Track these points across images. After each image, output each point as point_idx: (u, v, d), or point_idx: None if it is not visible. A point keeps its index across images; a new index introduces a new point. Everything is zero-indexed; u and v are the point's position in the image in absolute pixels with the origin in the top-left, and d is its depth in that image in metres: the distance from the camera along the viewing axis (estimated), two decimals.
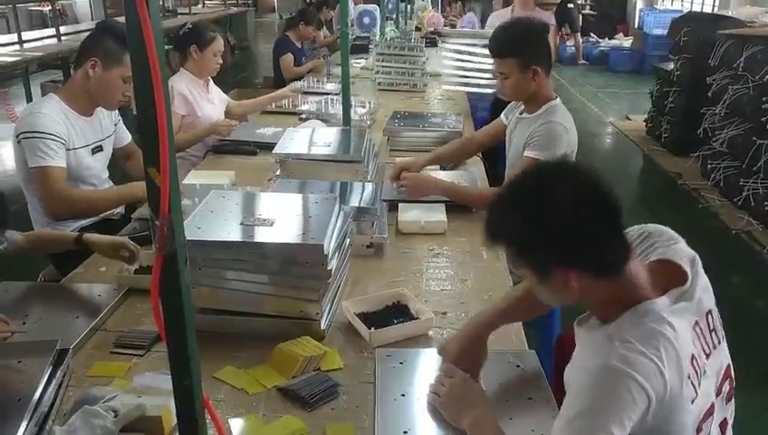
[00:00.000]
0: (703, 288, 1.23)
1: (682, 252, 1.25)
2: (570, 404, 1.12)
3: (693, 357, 1.14)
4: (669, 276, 1.20)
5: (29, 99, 7.12)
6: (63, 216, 2.27)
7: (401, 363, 1.48)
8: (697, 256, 1.26)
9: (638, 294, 1.16)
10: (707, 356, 1.19)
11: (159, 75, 0.87)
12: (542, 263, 1.16)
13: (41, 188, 2.18)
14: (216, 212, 1.70)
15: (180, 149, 3.10)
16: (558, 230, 1.11)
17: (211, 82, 3.43)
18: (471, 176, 2.70)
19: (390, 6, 7.59)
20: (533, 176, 1.21)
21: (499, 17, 4.28)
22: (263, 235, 1.59)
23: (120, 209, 2.53)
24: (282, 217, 1.67)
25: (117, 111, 2.51)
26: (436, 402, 1.34)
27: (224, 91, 3.65)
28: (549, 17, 4.58)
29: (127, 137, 2.62)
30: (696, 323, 1.19)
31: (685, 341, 1.14)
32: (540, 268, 1.17)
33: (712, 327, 1.23)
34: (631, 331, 1.12)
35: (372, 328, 1.57)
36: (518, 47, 2.30)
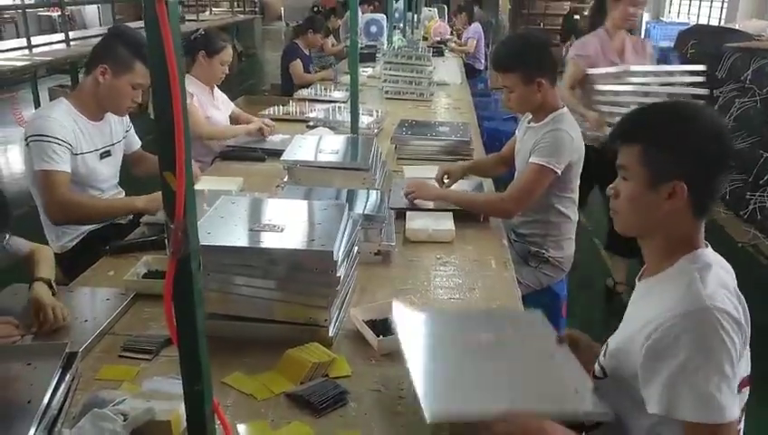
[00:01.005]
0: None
1: None
2: (669, 355, 1.15)
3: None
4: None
5: (37, 103, 7.16)
6: (63, 220, 2.27)
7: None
8: None
9: (693, 242, 1.27)
10: None
11: (177, 81, 0.88)
12: (668, 170, 1.23)
13: (43, 191, 2.18)
14: (225, 218, 1.70)
15: (220, 138, 3.29)
16: (701, 147, 1.22)
17: (216, 88, 3.45)
18: (478, 183, 2.71)
19: (397, 15, 7.62)
20: (688, 102, 1.36)
21: (593, 43, 3.44)
22: (272, 241, 1.59)
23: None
24: (291, 224, 1.68)
25: (128, 117, 2.52)
26: None
27: (231, 99, 3.68)
28: (646, 43, 3.72)
29: (137, 143, 2.64)
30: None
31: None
32: (661, 174, 1.23)
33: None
34: (704, 275, 1.21)
35: (380, 336, 1.57)
36: (520, 61, 2.33)
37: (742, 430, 1.30)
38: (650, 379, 1.18)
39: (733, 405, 1.12)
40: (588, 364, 1.39)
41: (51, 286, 1.72)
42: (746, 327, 1.21)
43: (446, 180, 2.61)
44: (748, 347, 1.24)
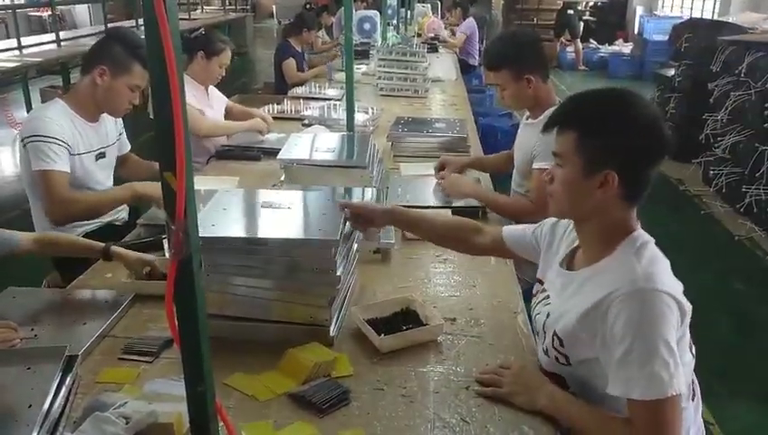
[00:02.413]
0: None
1: None
2: (615, 340, 1.21)
3: None
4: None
5: (28, 104, 7.11)
6: (65, 219, 2.25)
7: None
8: None
9: (628, 226, 1.33)
10: None
11: (176, 79, 0.87)
12: (601, 160, 1.27)
13: (43, 191, 2.17)
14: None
15: (219, 135, 3.33)
16: (634, 139, 1.25)
17: (210, 87, 3.44)
18: (474, 180, 2.70)
19: (390, 12, 7.60)
20: (624, 91, 1.34)
21: None
22: (273, 235, 1.58)
23: (125, 215, 2.52)
24: (290, 222, 1.67)
25: (121, 120, 2.51)
26: (502, 394, 1.39)
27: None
28: None
29: (127, 146, 2.64)
30: None
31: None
32: (594, 163, 1.27)
33: None
34: (641, 254, 1.26)
35: (382, 334, 1.56)
36: (508, 59, 2.35)
37: (698, 393, 1.41)
38: (606, 364, 1.25)
39: (677, 378, 1.17)
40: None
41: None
42: (684, 300, 1.25)
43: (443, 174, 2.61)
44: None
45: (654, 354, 1.17)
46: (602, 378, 1.29)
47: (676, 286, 1.25)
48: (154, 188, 2.21)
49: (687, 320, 1.26)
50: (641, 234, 1.33)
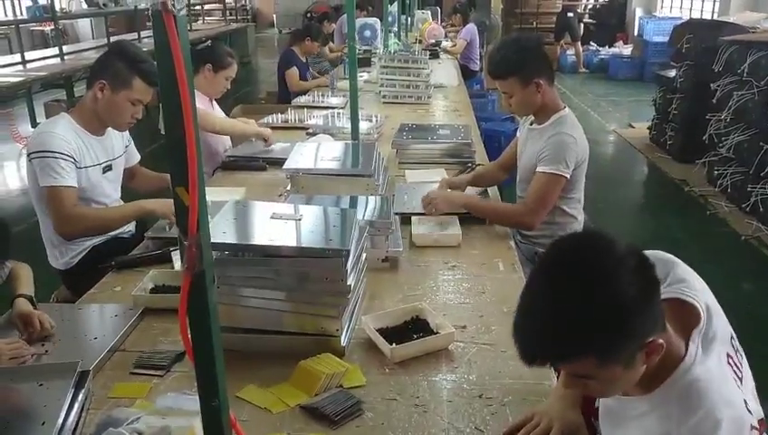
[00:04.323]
0: (717, 315, 1.16)
1: (693, 285, 1.18)
2: None
3: (744, 401, 1.10)
4: (684, 315, 1.12)
5: (32, 118, 7.14)
6: (73, 235, 2.26)
7: None
8: (700, 280, 1.21)
9: (676, 355, 1.09)
10: (741, 381, 1.15)
11: (188, 95, 0.87)
12: (634, 347, 1.02)
13: (51, 207, 2.17)
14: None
15: (231, 133, 3.40)
16: (639, 308, 0.99)
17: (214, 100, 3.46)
18: (482, 190, 2.70)
19: (391, 19, 7.61)
20: (579, 265, 1.01)
21: None
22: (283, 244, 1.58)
23: (131, 228, 2.52)
24: (299, 232, 1.66)
25: (128, 132, 2.51)
26: None
27: (227, 107, 3.68)
28: None
29: (136, 157, 2.64)
30: (728, 355, 1.14)
31: (732, 386, 1.10)
32: (630, 355, 1.02)
33: (736, 348, 1.19)
34: (688, 409, 1.06)
35: (393, 344, 1.55)
36: (516, 64, 2.31)
37: None
38: None
39: None
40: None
41: (32, 302, 1.74)
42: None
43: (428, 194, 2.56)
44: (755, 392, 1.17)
45: None
46: None
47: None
48: (163, 205, 2.20)
49: None
50: (690, 364, 1.08)
